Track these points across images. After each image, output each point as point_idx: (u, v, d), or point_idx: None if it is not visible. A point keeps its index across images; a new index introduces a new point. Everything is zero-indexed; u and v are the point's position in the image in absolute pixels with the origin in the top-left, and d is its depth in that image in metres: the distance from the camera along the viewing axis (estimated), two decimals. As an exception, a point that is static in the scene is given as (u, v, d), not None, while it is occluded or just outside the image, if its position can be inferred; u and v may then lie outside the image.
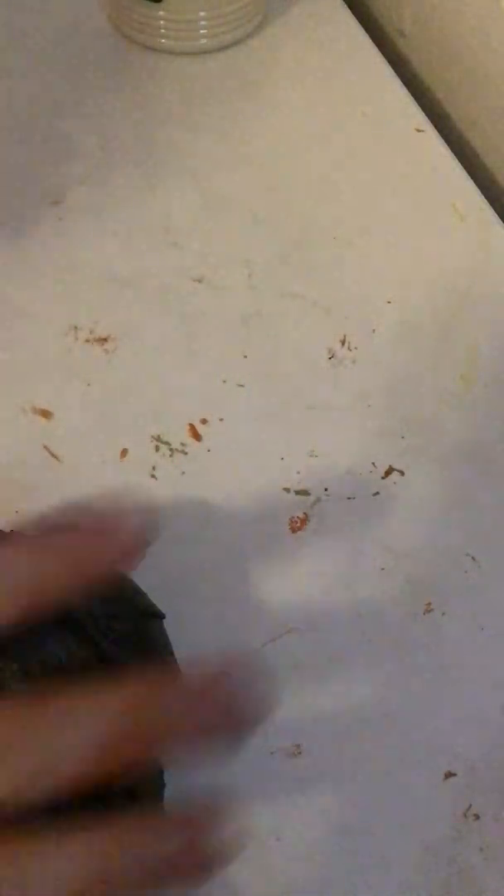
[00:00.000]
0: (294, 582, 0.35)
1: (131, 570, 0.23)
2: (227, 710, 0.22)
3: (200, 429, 0.39)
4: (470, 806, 0.31)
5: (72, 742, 0.21)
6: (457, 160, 0.50)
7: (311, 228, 0.47)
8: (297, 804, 0.31)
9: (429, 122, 0.52)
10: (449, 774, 0.31)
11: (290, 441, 0.39)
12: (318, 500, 0.37)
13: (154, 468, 0.38)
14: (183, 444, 0.39)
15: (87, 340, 0.42)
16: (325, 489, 0.38)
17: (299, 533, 0.36)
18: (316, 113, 0.52)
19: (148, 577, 0.35)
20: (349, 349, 0.42)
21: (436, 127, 0.52)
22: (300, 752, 0.32)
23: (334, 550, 0.36)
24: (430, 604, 0.35)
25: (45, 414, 0.39)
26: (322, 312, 0.43)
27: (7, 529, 0.34)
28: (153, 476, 0.38)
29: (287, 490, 0.37)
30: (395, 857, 0.30)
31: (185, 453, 0.38)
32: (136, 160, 0.50)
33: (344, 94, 0.53)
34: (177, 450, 0.38)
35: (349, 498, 0.37)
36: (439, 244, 0.46)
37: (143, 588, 0.35)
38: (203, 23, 0.54)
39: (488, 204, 0.48)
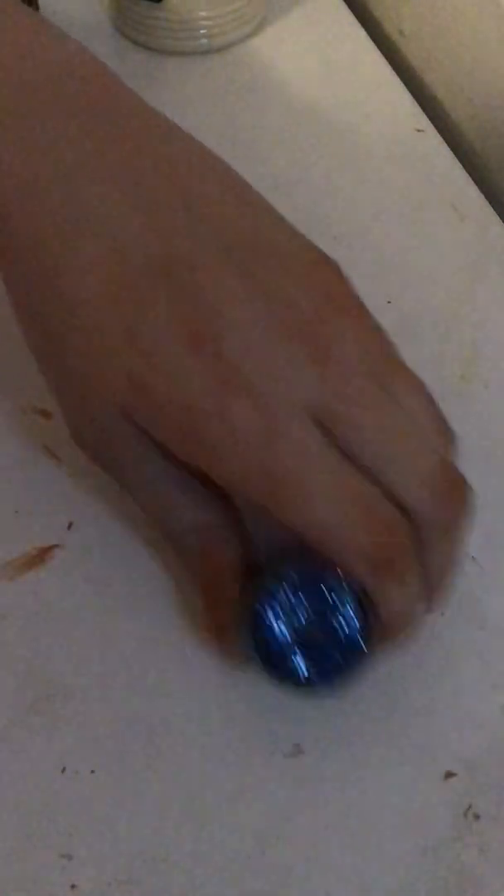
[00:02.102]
0: (294, 582, 0.35)
1: None
2: None
3: (200, 429, 0.39)
4: (470, 806, 0.31)
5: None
6: (457, 160, 0.50)
7: (311, 228, 0.47)
8: (297, 804, 0.31)
9: (429, 122, 0.52)
10: (449, 774, 0.31)
11: (290, 441, 0.39)
12: (318, 500, 0.37)
13: (154, 468, 0.38)
14: (183, 444, 0.39)
15: (87, 340, 0.42)
16: (325, 489, 0.37)
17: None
18: (316, 113, 0.52)
19: (149, 579, 0.35)
20: (349, 349, 0.42)
21: (436, 127, 0.52)
22: (300, 752, 0.32)
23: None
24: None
25: (46, 414, 0.39)
26: (322, 312, 0.43)
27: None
28: (153, 476, 0.38)
29: (287, 490, 0.37)
30: (395, 857, 0.30)
31: (185, 453, 0.38)
32: (136, 160, 0.50)
33: (344, 94, 0.53)
34: (177, 450, 0.38)
35: (349, 498, 0.37)
36: (439, 244, 0.46)
37: (144, 588, 0.35)
38: (203, 23, 0.54)
39: (488, 204, 0.48)
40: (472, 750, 0.32)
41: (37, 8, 0.52)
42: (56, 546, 0.36)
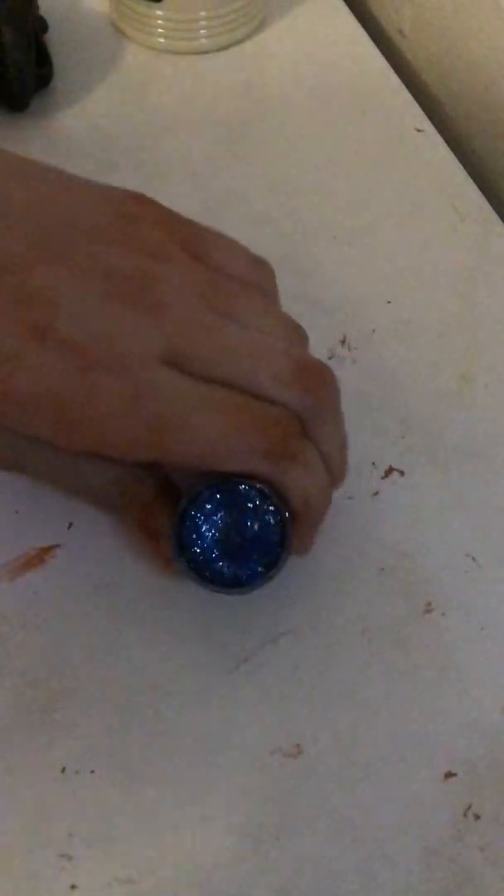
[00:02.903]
0: (294, 582, 0.35)
1: None
2: None
3: (200, 429, 0.39)
4: (470, 806, 0.31)
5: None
6: (457, 160, 0.50)
7: (312, 228, 0.47)
8: (297, 804, 0.31)
9: (429, 122, 0.52)
10: (449, 774, 0.31)
11: (290, 441, 0.39)
12: (318, 500, 0.37)
13: (154, 468, 0.38)
14: (183, 444, 0.39)
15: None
16: (325, 489, 0.37)
17: (299, 533, 0.36)
18: (316, 113, 0.52)
19: (149, 577, 0.35)
20: (349, 349, 0.42)
21: (436, 127, 0.52)
22: (300, 752, 0.32)
23: (334, 550, 0.36)
24: (430, 604, 0.35)
25: (45, 414, 0.39)
26: (322, 312, 0.43)
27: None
28: (153, 476, 0.38)
29: (287, 490, 0.37)
30: (395, 857, 0.30)
31: (185, 453, 0.38)
32: (136, 160, 0.50)
33: (344, 94, 0.53)
34: (177, 450, 0.38)
35: (349, 498, 0.37)
36: (439, 244, 0.46)
37: (144, 588, 0.35)
38: (203, 23, 0.54)
39: (488, 204, 0.48)
40: (472, 750, 0.32)
41: (37, 9, 0.52)
42: (56, 546, 0.36)
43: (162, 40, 0.54)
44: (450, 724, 0.32)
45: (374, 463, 0.38)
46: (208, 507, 0.30)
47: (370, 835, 0.30)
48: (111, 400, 0.28)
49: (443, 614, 0.35)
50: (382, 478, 0.38)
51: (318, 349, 0.42)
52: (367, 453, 0.39)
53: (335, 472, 0.33)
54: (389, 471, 0.38)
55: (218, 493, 0.30)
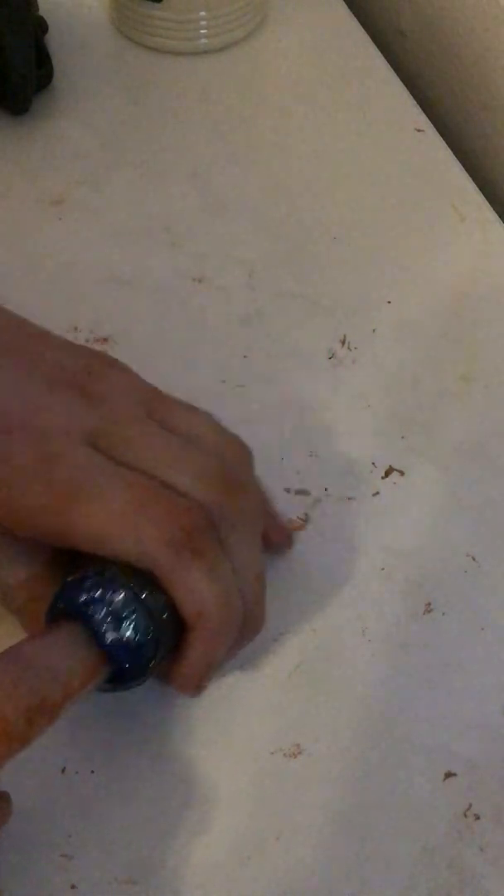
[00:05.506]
0: (294, 582, 0.35)
1: None
2: None
3: (200, 429, 0.39)
4: (470, 806, 0.31)
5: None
6: (457, 160, 0.50)
7: (311, 228, 0.47)
8: (297, 804, 0.31)
9: (429, 122, 0.52)
10: (449, 774, 0.31)
11: (289, 441, 0.39)
12: (318, 500, 0.37)
13: (154, 468, 0.38)
14: (183, 444, 0.39)
15: (88, 340, 0.42)
16: (325, 489, 0.37)
17: (299, 533, 0.36)
18: (316, 113, 0.52)
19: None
20: (349, 349, 0.42)
21: (436, 127, 0.52)
22: (300, 752, 0.32)
23: (334, 550, 0.36)
24: (430, 604, 0.35)
25: (45, 414, 0.39)
26: (322, 312, 0.43)
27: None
28: (153, 476, 0.38)
29: (287, 490, 0.37)
30: (395, 857, 0.30)
31: (185, 453, 0.38)
32: (136, 160, 0.50)
33: (344, 94, 0.53)
34: (177, 450, 0.38)
35: (349, 498, 0.37)
36: (439, 244, 0.46)
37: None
38: (203, 23, 0.54)
39: (488, 204, 0.48)
40: (472, 750, 0.32)
41: (36, 9, 0.52)
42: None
43: (162, 40, 0.54)
44: (450, 724, 0.32)
45: (374, 463, 0.38)
46: (91, 591, 0.27)
47: (370, 835, 0.30)
48: (23, 461, 0.28)
49: (443, 614, 0.35)
50: (382, 478, 0.38)
51: (318, 349, 0.42)
52: (367, 453, 0.39)
53: (248, 604, 0.29)
54: (389, 471, 0.38)
55: (100, 579, 0.27)
